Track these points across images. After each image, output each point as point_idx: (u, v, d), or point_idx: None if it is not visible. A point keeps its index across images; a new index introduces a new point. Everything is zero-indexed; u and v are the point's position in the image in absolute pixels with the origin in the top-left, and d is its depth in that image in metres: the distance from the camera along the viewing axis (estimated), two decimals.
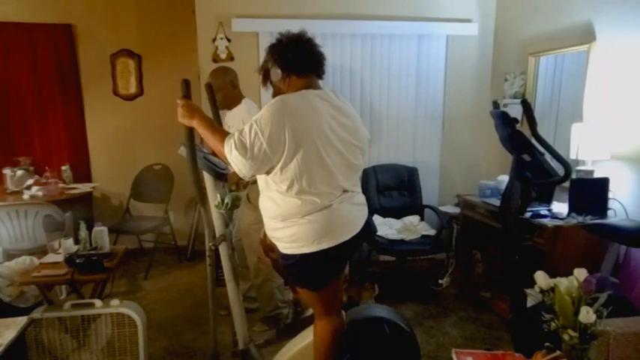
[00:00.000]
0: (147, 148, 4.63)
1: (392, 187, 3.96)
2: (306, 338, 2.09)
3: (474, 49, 4.09)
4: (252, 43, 3.75)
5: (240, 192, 2.43)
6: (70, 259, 2.53)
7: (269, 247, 2.12)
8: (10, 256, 3.09)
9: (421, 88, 4.06)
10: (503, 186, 3.16)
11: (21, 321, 1.92)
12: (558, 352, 1.50)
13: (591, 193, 2.77)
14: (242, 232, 2.94)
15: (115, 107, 4.62)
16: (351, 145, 1.83)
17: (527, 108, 2.81)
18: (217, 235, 2.18)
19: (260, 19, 3.69)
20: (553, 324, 1.50)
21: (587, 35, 2.99)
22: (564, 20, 3.23)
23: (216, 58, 3.75)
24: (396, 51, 3.96)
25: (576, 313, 1.47)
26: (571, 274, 1.55)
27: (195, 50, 3.77)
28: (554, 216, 2.83)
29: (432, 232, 3.63)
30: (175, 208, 4.62)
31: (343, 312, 2.07)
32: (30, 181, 3.95)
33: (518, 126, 2.87)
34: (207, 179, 2.15)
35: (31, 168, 4.24)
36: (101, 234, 2.74)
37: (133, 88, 4.66)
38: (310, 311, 2.55)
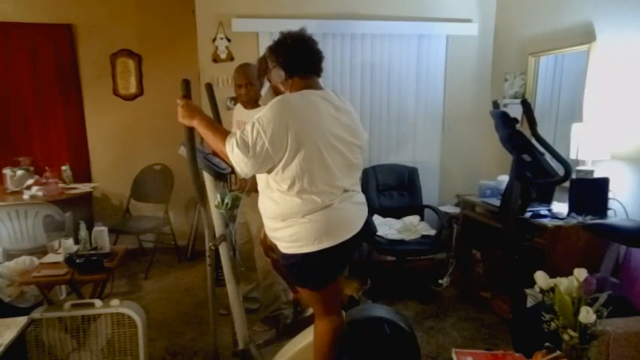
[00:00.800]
0: (147, 148, 4.63)
1: (392, 187, 3.96)
2: (306, 338, 2.09)
3: (474, 49, 4.09)
4: (252, 43, 3.75)
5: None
6: (70, 259, 2.53)
7: (269, 247, 2.13)
8: (10, 256, 3.09)
9: (421, 88, 4.05)
10: (503, 186, 3.16)
11: (21, 321, 1.92)
12: (558, 352, 1.50)
13: (591, 193, 2.77)
14: (254, 235, 2.93)
15: (115, 107, 4.62)
16: (351, 145, 1.84)
17: (527, 108, 2.81)
18: (217, 235, 2.18)
19: (260, 19, 3.69)
20: (553, 324, 1.50)
21: (587, 35, 2.99)
22: (564, 20, 3.23)
23: (216, 58, 3.75)
24: (396, 51, 3.96)
25: (576, 313, 1.47)
26: (571, 274, 1.55)
27: (195, 50, 3.77)
28: (554, 216, 2.83)
29: (432, 232, 3.63)
30: (175, 208, 4.62)
31: (343, 312, 2.07)
32: (30, 181, 3.95)
33: (518, 126, 2.87)
34: (207, 179, 2.15)
35: (31, 168, 4.23)
36: (101, 234, 2.74)
37: (133, 88, 4.66)
38: (310, 311, 2.55)
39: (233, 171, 1.88)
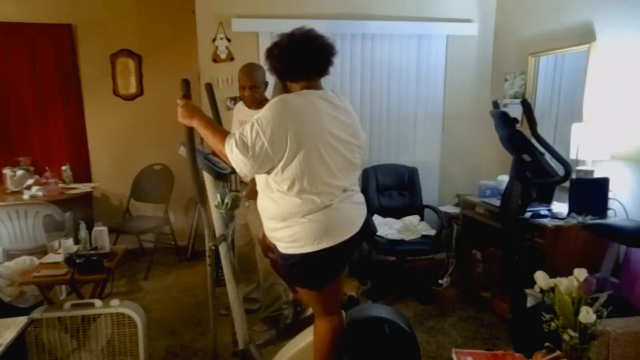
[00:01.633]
0: (147, 148, 4.63)
1: (392, 187, 3.96)
2: (306, 338, 2.09)
3: (474, 49, 4.09)
4: (252, 43, 3.75)
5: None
6: (70, 259, 2.53)
7: (268, 248, 2.12)
8: (10, 256, 3.09)
9: (421, 88, 4.06)
10: (503, 186, 3.16)
11: (21, 321, 1.92)
12: (558, 352, 1.50)
13: (591, 193, 2.77)
14: (255, 236, 2.93)
15: (115, 107, 4.62)
16: (350, 145, 1.84)
17: (527, 108, 2.81)
18: (217, 235, 2.18)
19: (260, 19, 3.69)
20: (553, 324, 1.50)
21: (587, 35, 2.99)
22: (564, 20, 3.23)
23: (216, 58, 3.75)
24: (396, 51, 3.96)
25: (576, 313, 1.47)
26: (571, 274, 1.55)
27: (195, 50, 3.77)
28: (554, 216, 2.83)
29: (432, 232, 3.63)
30: (175, 208, 4.62)
31: (343, 312, 2.07)
32: (30, 181, 3.95)
33: (518, 126, 2.88)
34: (207, 179, 2.15)
35: (31, 168, 4.23)
36: (101, 234, 2.74)
37: (133, 88, 4.66)
38: (310, 311, 2.55)
39: (233, 171, 1.88)
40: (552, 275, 1.61)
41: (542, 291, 1.60)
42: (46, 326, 2.27)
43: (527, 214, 2.84)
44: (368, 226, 1.95)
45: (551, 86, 3.53)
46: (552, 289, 1.55)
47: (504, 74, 3.84)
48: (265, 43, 3.73)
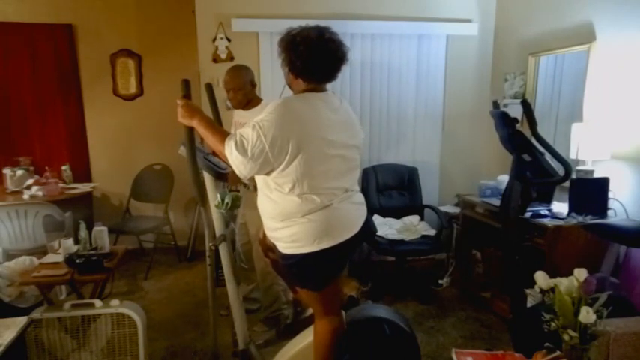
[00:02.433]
0: (147, 148, 4.63)
1: (392, 187, 3.96)
2: (306, 338, 2.09)
3: (474, 49, 4.09)
4: (252, 43, 3.75)
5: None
6: (70, 259, 2.53)
7: (268, 248, 2.12)
8: (10, 256, 3.09)
9: (421, 88, 4.05)
10: (503, 186, 3.16)
11: (21, 321, 1.92)
12: (558, 352, 1.50)
13: (591, 193, 2.77)
14: (252, 236, 2.93)
15: (115, 107, 4.62)
16: (350, 147, 1.84)
17: (527, 108, 2.81)
18: (217, 235, 2.18)
19: (260, 19, 3.69)
20: (553, 324, 1.50)
21: (587, 35, 2.99)
22: (564, 20, 3.23)
23: (216, 58, 3.75)
24: (396, 51, 3.96)
25: (576, 313, 1.47)
26: (571, 274, 1.55)
27: (195, 50, 3.77)
28: (554, 216, 2.83)
29: (432, 232, 3.63)
30: (175, 208, 4.62)
31: (343, 312, 2.07)
32: (30, 181, 3.95)
33: (518, 126, 2.88)
34: (207, 179, 2.15)
35: (31, 168, 4.24)
36: (101, 234, 2.74)
37: (133, 88, 4.66)
38: (310, 311, 2.55)
39: None
40: (552, 275, 1.62)
41: (542, 291, 1.60)
42: (46, 326, 2.27)
43: (527, 214, 2.84)
44: (368, 226, 1.95)
45: (551, 86, 3.53)
46: (552, 289, 1.55)
47: (504, 74, 3.84)
48: (265, 43, 3.75)
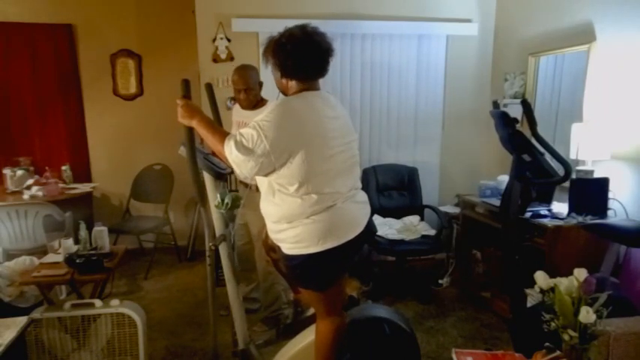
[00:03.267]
0: (147, 148, 4.63)
1: (392, 187, 3.96)
2: (306, 338, 2.09)
3: (474, 49, 4.09)
4: (252, 43, 3.75)
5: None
6: (70, 259, 2.53)
7: (270, 248, 2.12)
8: (10, 256, 3.09)
9: (421, 88, 4.05)
10: (503, 186, 3.16)
11: (21, 321, 1.92)
12: (558, 352, 1.50)
13: (591, 193, 2.77)
14: (254, 236, 2.93)
15: (115, 107, 4.62)
16: (349, 142, 1.85)
17: (527, 108, 2.81)
18: (217, 235, 2.18)
19: (260, 19, 3.69)
20: (553, 324, 1.50)
21: (587, 35, 2.99)
22: (564, 20, 3.23)
23: (216, 58, 3.75)
24: (396, 51, 3.96)
25: (576, 313, 1.47)
26: (571, 274, 1.55)
27: (195, 50, 3.77)
28: (554, 216, 2.83)
29: (432, 232, 3.63)
30: (175, 208, 4.62)
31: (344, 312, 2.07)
32: (30, 181, 3.95)
33: (518, 126, 2.87)
34: (207, 179, 2.15)
35: (31, 168, 4.23)
36: (101, 234, 2.74)
37: (133, 88, 4.66)
38: (311, 311, 2.55)
39: (233, 171, 1.87)
40: (552, 275, 1.61)
41: (542, 291, 1.60)
42: (46, 326, 2.27)
43: (527, 214, 2.84)
44: (369, 226, 1.95)
45: (551, 86, 3.53)
46: (552, 289, 1.55)
47: (504, 74, 3.84)
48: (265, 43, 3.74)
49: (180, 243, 4.51)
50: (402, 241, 3.47)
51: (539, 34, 3.51)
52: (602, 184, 2.75)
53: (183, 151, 1.99)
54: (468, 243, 3.70)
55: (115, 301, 2.35)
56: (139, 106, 4.65)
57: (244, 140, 1.67)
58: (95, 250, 2.69)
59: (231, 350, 2.46)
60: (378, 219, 3.73)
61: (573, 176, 2.76)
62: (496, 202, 3.24)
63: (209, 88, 2.57)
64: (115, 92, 4.63)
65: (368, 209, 1.93)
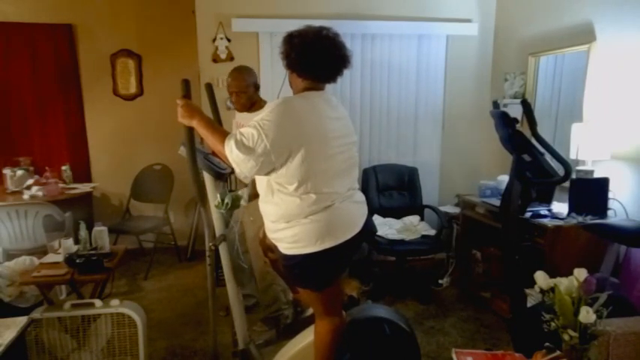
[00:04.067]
0: (147, 148, 4.63)
1: (392, 187, 3.96)
2: (306, 338, 2.09)
3: (474, 49, 4.09)
4: (252, 43, 3.75)
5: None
6: (70, 259, 2.53)
7: (268, 248, 2.12)
8: (10, 256, 3.09)
9: (421, 88, 4.05)
10: (503, 186, 3.15)
11: (21, 321, 1.92)
12: (558, 352, 1.50)
13: (591, 193, 2.77)
14: (249, 238, 2.92)
15: (115, 107, 4.62)
16: (349, 143, 1.85)
17: (527, 108, 2.81)
18: (217, 235, 2.18)
19: (260, 19, 3.69)
20: (553, 324, 1.50)
21: (587, 35, 2.99)
22: (564, 20, 3.23)
23: (216, 58, 3.75)
24: (396, 51, 3.96)
25: (576, 313, 1.47)
26: (571, 274, 1.55)
27: (195, 50, 3.77)
28: (554, 216, 2.83)
29: (432, 232, 3.63)
30: (175, 208, 4.62)
31: (343, 312, 2.07)
32: (30, 181, 3.95)
33: (518, 126, 2.87)
34: (207, 179, 2.15)
35: (31, 168, 4.24)
36: (101, 234, 2.74)
37: (133, 88, 4.66)
38: (310, 311, 2.55)
39: (233, 171, 1.87)
40: (552, 275, 1.61)
41: (542, 291, 1.60)
42: (46, 326, 2.27)
43: (527, 214, 2.84)
44: (368, 226, 1.95)
45: (551, 86, 3.53)
46: (552, 289, 1.55)
47: (504, 74, 3.83)
48: (265, 43, 3.75)
49: (180, 243, 4.51)
50: (402, 241, 3.47)
51: (539, 34, 3.51)
52: (602, 184, 2.75)
53: (183, 151, 1.99)
54: (467, 243, 3.70)
55: (115, 301, 2.35)
56: (139, 106, 4.65)
57: (244, 139, 1.67)
58: (95, 250, 2.69)
59: (231, 350, 2.46)
60: (378, 219, 3.73)
61: (573, 176, 2.76)
62: (496, 202, 3.24)
63: (209, 88, 2.57)
64: (115, 92, 4.63)
65: (365, 209, 1.93)
